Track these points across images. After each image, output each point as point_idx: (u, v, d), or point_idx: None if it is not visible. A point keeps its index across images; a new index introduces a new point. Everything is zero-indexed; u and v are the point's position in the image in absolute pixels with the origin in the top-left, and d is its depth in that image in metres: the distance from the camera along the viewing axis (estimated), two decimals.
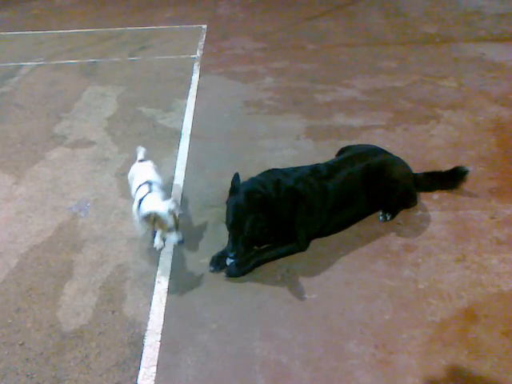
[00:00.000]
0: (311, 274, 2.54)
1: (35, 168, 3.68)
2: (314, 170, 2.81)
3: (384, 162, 2.94)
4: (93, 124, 4.36)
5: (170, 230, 2.44)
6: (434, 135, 3.91)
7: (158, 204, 2.47)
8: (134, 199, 2.70)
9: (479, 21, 7.01)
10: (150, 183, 2.67)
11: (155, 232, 2.74)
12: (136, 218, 2.62)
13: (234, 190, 2.56)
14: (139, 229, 2.69)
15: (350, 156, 3.02)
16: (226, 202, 2.59)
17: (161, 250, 2.77)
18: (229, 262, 2.56)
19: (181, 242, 2.46)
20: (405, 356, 2.08)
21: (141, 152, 3.08)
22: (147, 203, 2.51)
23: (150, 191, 2.60)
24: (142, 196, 2.58)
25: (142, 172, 2.84)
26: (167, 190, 3.30)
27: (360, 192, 2.83)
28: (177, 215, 2.48)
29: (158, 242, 2.76)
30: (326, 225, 2.75)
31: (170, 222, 2.41)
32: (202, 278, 2.55)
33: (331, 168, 2.83)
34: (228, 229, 2.53)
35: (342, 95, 4.75)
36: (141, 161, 3.01)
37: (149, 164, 2.96)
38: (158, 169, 3.04)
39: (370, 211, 2.96)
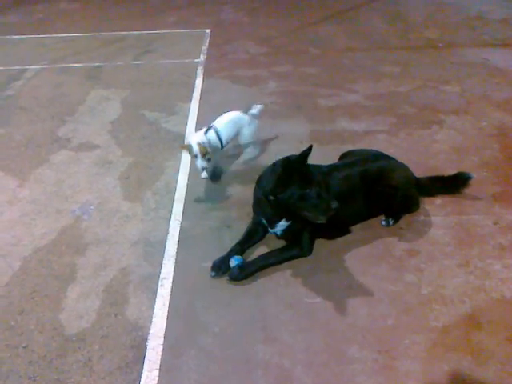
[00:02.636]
0: (314, 279, 2.55)
1: (39, 171, 3.70)
2: (316, 167, 2.81)
3: (382, 168, 2.90)
4: (97, 127, 4.38)
5: (195, 157, 3.11)
6: (437, 140, 3.91)
7: (192, 137, 3.20)
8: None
9: (482, 26, 7.03)
10: (211, 126, 3.33)
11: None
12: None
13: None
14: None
15: (350, 162, 3.01)
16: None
17: (205, 179, 3.43)
18: (232, 264, 2.56)
19: (207, 175, 3.37)
20: (407, 361, 2.08)
21: (257, 109, 3.65)
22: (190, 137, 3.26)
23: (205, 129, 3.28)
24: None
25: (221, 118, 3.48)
26: (170, 193, 3.33)
27: (358, 194, 2.83)
28: (206, 147, 3.09)
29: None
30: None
31: (195, 150, 3.07)
32: (204, 282, 2.55)
33: (332, 168, 2.85)
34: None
35: (345, 100, 4.76)
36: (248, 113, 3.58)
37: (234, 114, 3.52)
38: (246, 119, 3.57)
39: (370, 215, 2.96)
